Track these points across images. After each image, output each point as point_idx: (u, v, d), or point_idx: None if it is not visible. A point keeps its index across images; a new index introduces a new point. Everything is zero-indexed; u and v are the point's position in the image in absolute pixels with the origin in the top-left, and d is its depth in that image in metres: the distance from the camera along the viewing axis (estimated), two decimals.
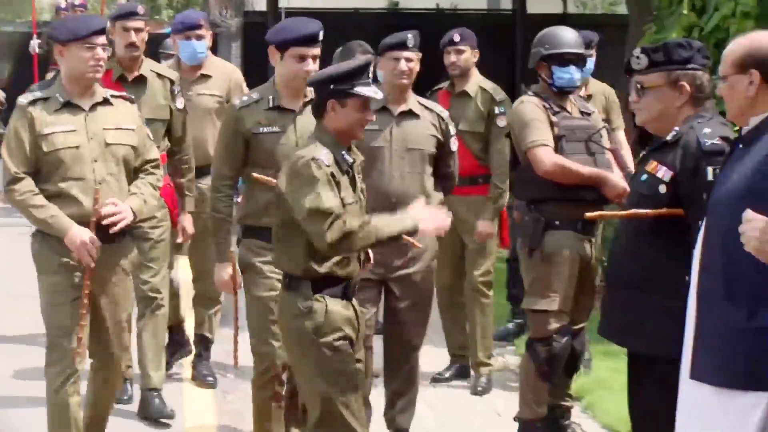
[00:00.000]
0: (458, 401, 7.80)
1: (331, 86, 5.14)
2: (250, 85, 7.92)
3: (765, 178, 4.23)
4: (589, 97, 8.00)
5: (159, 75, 7.40)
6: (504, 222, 8.12)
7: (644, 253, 5.05)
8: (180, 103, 7.41)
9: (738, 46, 4.44)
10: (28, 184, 5.82)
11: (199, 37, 7.97)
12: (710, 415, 4.36)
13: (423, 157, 6.46)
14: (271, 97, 6.07)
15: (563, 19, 17.60)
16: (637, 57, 5.10)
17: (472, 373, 8.14)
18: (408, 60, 6.50)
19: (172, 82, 7.40)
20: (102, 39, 5.88)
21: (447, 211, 5.39)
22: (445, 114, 6.66)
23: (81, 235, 5.74)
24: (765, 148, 4.28)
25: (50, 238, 5.83)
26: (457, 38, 8.15)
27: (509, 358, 8.82)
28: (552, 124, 6.55)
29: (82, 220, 5.79)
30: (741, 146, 4.44)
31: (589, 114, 6.77)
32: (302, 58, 5.95)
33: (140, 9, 7.43)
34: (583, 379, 7.66)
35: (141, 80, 7.33)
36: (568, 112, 6.66)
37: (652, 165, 5.02)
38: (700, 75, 5.04)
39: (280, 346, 5.71)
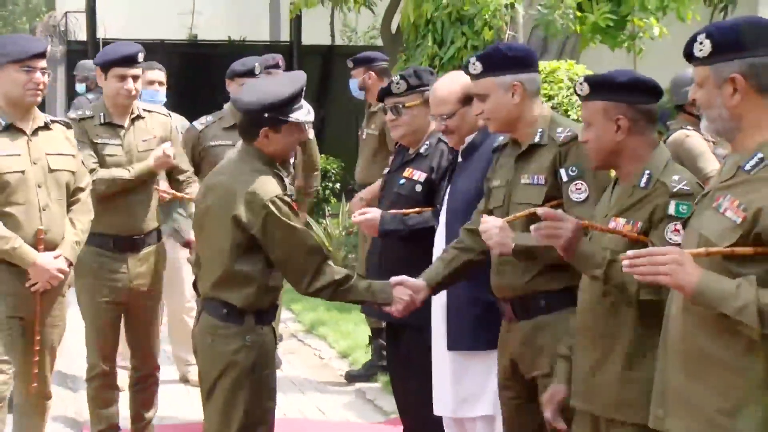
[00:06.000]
0: None
1: (266, 115, 4.44)
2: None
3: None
4: None
5: None
6: None
7: (400, 248, 5.27)
8: None
9: (454, 86, 4.79)
10: None
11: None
12: (462, 370, 4.76)
13: None
14: (101, 113, 5.95)
15: (331, 49, 17.63)
16: (397, 83, 5.25)
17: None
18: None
19: None
20: (42, 63, 5.24)
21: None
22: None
23: (52, 265, 5.24)
24: (483, 161, 4.69)
25: None
26: (281, 63, 7.31)
27: None
28: None
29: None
30: (461, 160, 4.85)
31: None
32: (122, 78, 5.85)
33: None
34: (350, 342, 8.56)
35: None
36: None
37: (408, 172, 5.24)
38: None
39: None
